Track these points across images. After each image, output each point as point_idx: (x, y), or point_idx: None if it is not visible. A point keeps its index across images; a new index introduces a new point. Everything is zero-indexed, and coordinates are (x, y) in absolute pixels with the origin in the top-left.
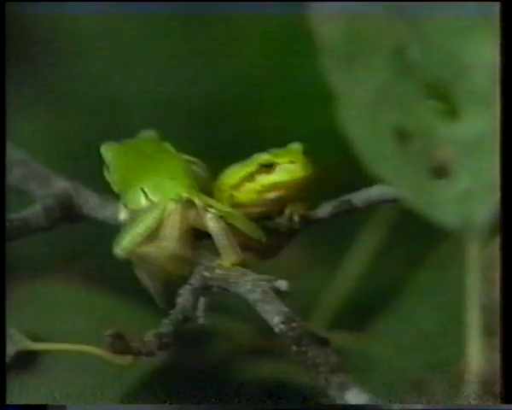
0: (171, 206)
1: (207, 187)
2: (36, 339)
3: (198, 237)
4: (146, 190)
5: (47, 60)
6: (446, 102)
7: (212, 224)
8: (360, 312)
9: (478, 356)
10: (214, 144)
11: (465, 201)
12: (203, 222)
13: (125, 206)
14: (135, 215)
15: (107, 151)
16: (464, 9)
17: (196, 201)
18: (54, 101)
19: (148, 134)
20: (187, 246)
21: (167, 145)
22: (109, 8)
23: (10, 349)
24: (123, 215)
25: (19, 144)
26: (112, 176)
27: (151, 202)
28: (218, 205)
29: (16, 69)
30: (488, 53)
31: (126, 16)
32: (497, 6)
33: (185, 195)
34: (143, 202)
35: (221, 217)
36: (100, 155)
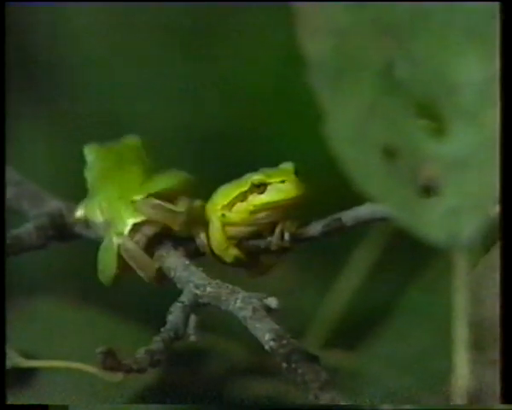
0: (119, 241)
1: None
2: (29, 356)
3: (188, 256)
4: (102, 204)
5: (46, 77)
6: (434, 119)
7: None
8: (352, 330)
9: (466, 373)
10: (205, 163)
11: (453, 218)
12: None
13: (84, 212)
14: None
15: (90, 153)
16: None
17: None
18: (50, 119)
19: (132, 139)
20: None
21: (143, 154)
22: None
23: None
24: (78, 214)
25: (13, 163)
26: (88, 178)
27: (103, 220)
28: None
29: (14, 86)
30: (476, 70)
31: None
32: (496, 6)
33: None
34: (97, 214)
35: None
36: None
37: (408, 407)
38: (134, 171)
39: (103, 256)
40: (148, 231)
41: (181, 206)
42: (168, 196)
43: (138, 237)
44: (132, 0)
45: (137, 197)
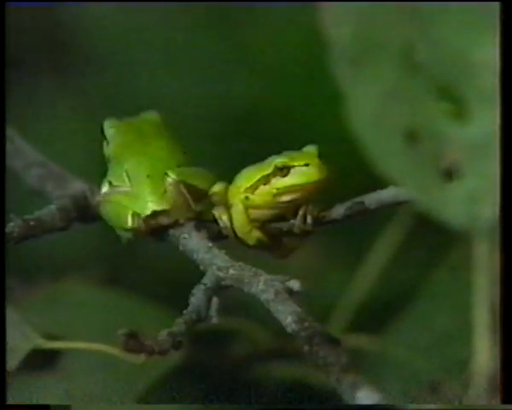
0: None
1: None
2: (53, 338)
3: (212, 238)
4: (129, 171)
5: (67, 57)
6: (455, 102)
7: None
8: (375, 314)
9: (487, 356)
10: (229, 146)
11: (473, 201)
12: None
13: (109, 182)
14: (116, 191)
15: (109, 127)
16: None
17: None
18: (75, 101)
19: (151, 115)
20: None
21: (163, 129)
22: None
23: (24, 347)
24: (104, 189)
25: (37, 145)
26: (108, 151)
27: (131, 183)
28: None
29: (35, 68)
30: (497, 53)
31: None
32: (496, 6)
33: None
34: (126, 181)
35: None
36: None
37: (432, 406)
38: (158, 146)
39: (117, 213)
40: (165, 220)
41: (199, 206)
42: (194, 192)
43: (153, 222)
44: None
45: (171, 174)
